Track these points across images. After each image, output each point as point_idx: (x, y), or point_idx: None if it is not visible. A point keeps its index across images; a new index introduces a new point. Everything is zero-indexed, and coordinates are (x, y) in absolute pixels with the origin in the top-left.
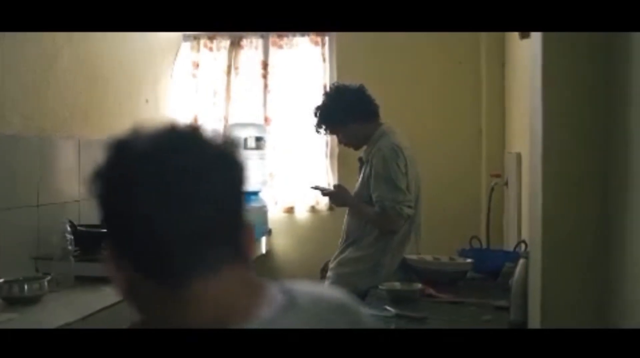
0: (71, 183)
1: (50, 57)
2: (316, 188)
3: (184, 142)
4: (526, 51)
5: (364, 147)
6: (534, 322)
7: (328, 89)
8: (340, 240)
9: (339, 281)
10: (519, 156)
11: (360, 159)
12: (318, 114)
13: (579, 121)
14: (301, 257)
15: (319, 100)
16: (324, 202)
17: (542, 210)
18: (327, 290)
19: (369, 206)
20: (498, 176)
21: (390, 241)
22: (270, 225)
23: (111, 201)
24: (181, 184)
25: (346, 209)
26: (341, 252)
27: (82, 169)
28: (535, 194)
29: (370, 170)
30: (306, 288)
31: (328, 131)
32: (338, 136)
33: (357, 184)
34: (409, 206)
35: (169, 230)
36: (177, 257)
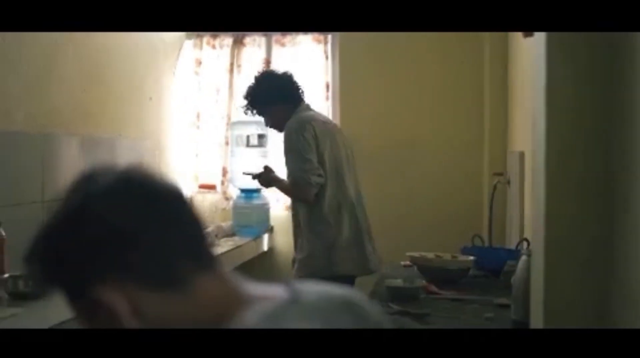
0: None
1: (53, 55)
2: (247, 173)
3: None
4: (529, 50)
5: None
6: (536, 319)
7: (258, 73)
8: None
9: (299, 268)
10: (521, 155)
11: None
12: (247, 96)
13: (582, 120)
14: None
15: (249, 82)
16: None
17: (544, 209)
18: (332, 287)
19: (285, 181)
20: (500, 174)
21: (320, 215)
22: (272, 223)
23: (106, 230)
24: (156, 208)
25: None
26: (293, 236)
27: (86, 167)
28: (538, 193)
29: (283, 147)
30: (311, 285)
31: (255, 112)
32: (264, 119)
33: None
34: (319, 175)
35: (160, 240)
36: (175, 261)
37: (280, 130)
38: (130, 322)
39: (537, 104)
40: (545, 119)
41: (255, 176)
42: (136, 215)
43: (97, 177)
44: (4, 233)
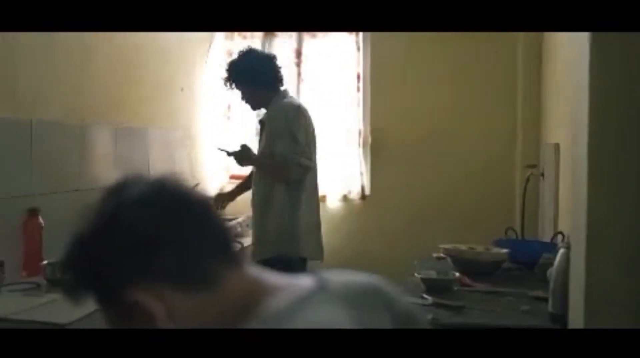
0: (108, 170)
1: (88, 47)
2: (221, 149)
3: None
4: (565, 39)
5: (263, 110)
6: (575, 313)
7: (243, 50)
8: (253, 207)
9: (264, 247)
10: (557, 147)
11: (260, 121)
12: (230, 71)
13: (625, 114)
14: (333, 246)
15: (233, 57)
16: (355, 191)
17: (586, 203)
18: (359, 274)
19: (269, 160)
20: (533, 166)
21: (299, 197)
22: None
23: (142, 236)
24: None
25: None
26: (257, 218)
27: (119, 157)
28: (578, 186)
29: (273, 130)
30: (338, 273)
31: (233, 87)
32: (242, 94)
33: (261, 144)
34: (307, 158)
35: (191, 244)
36: (205, 262)
37: (254, 108)
38: (166, 323)
39: (579, 96)
40: (589, 112)
41: (230, 154)
42: (167, 221)
43: (129, 185)
44: (42, 221)
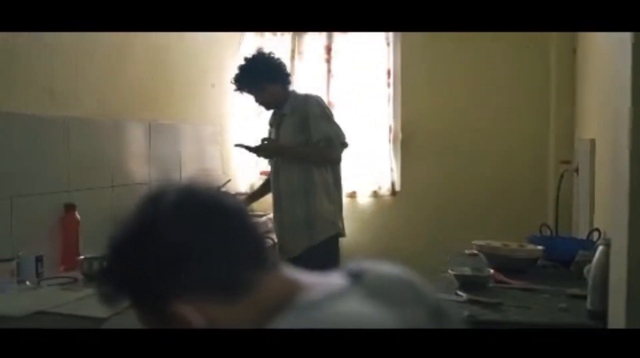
0: (142, 166)
1: (122, 44)
2: (240, 145)
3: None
4: (601, 35)
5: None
6: (616, 311)
7: (252, 54)
8: (279, 198)
9: (323, 227)
10: (592, 143)
11: (280, 115)
12: (242, 75)
13: None
14: (363, 242)
15: (242, 62)
16: (386, 187)
17: (628, 199)
18: (391, 266)
19: (306, 147)
20: (568, 163)
21: (339, 176)
22: None
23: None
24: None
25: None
26: (299, 204)
27: (152, 152)
28: (619, 183)
29: (302, 118)
30: (371, 265)
31: (246, 91)
32: (257, 95)
33: (285, 136)
34: (345, 137)
35: (229, 253)
36: (242, 270)
37: (270, 108)
38: None
39: (621, 92)
40: (632, 107)
41: (253, 148)
42: (204, 230)
43: (163, 194)
44: (78, 216)
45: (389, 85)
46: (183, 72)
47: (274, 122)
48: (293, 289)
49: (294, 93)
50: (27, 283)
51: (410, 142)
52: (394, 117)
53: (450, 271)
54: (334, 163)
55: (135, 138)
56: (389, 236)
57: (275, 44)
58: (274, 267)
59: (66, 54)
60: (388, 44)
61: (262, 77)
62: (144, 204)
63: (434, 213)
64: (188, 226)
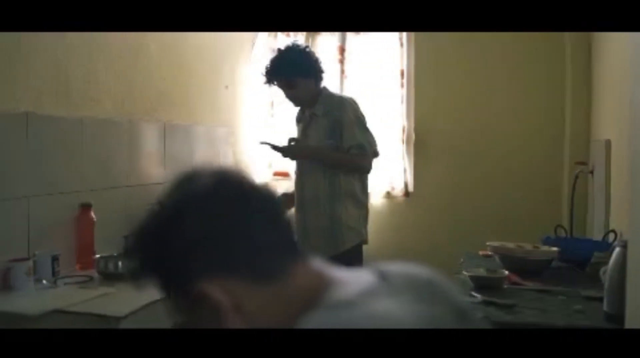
0: (157, 166)
1: (137, 46)
2: (266, 143)
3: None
4: (617, 36)
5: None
6: (633, 313)
7: (287, 45)
8: (302, 202)
9: (349, 235)
10: (608, 143)
11: (303, 115)
12: (273, 65)
13: None
14: (376, 243)
15: (281, 52)
16: (399, 188)
17: None
18: (416, 267)
19: (337, 152)
20: (583, 164)
21: (367, 183)
22: None
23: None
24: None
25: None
26: (323, 210)
27: (167, 152)
28: (637, 183)
29: (334, 122)
30: (395, 265)
31: (275, 84)
32: (289, 90)
33: (313, 138)
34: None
35: (259, 237)
36: (272, 256)
37: (300, 105)
38: (232, 317)
39: (636, 95)
40: None
41: (281, 149)
42: (235, 214)
43: (197, 177)
44: (94, 216)
45: (402, 85)
46: (197, 73)
47: (303, 121)
48: (323, 284)
49: (326, 92)
50: (44, 281)
51: (423, 143)
52: (408, 117)
53: (464, 272)
54: (364, 173)
55: (150, 139)
56: (402, 237)
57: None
58: (304, 258)
59: (82, 55)
60: (401, 45)
61: (296, 71)
62: (178, 183)
63: (447, 214)
64: (220, 206)
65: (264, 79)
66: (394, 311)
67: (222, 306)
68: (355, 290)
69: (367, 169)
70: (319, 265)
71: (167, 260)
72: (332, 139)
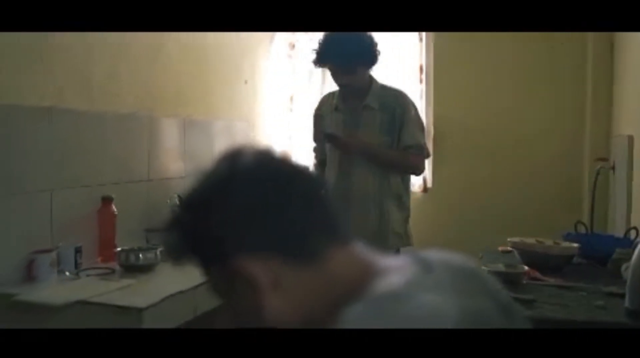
0: (177, 160)
1: (157, 43)
2: (328, 134)
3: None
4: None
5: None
6: None
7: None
8: (347, 198)
9: (401, 238)
10: (630, 139)
11: (351, 105)
12: (337, 46)
13: None
14: None
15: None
16: (417, 184)
17: None
18: (457, 256)
19: (395, 151)
20: (604, 160)
21: (410, 186)
22: None
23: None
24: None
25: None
26: (359, 217)
27: (187, 147)
28: None
29: (392, 118)
30: (437, 253)
31: (332, 67)
32: (344, 76)
33: (364, 134)
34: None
35: (301, 217)
36: (314, 237)
37: (350, 93)
38: (269, 294)
39: None
40: None
41: (333, 136)
42: (279, 192)
43: (241, 155)
44: (115, 209)
45: (421, 81)
46: (216, 69)
47: (346, 113)
48: (366, 272)
49: (377, 83)
50: (67, 273)
51: (442, 138)
52: (426, 113)
53: (483, 267)
54: (418, 175)
55: (170, 134)
56: (421, 233)
57: (308, 39)
58: (348, 242)
59: (104, 51)
60: (421, 40)
61: (358, 57)
62: (222, 160)
63: (466, 210)
64: (263, 183)
65: (314, 57)
66: (439, 305)
67: (259, 283)
68: (400, 280)
69: (422, 171)
70: (363, 250)
71: (208, 235)
72: (388, 135)
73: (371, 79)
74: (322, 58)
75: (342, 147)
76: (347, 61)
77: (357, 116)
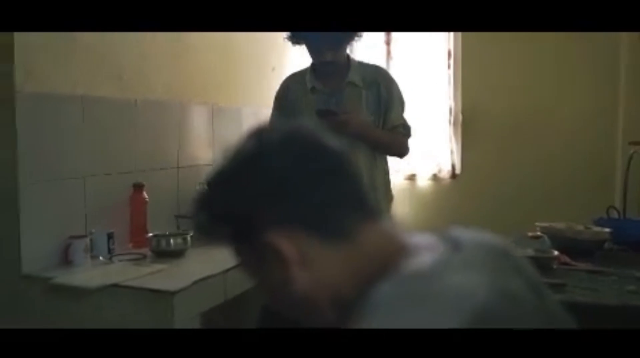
0: (205, 147)
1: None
2: (323, 110)
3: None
4: None
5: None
6: None
7: None
8: (374, 189)
9: None
10: None
11: (331, 83)
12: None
13: None
14: (422, 225)
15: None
16: (446, 170)
17: None
18: (487, 234)
19: (388, 132)
20: (638, 144)
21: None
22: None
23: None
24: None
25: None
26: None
27: (216, 134)
28: None
29: (378, 95)
30: (467, 232)
31: (314, 44)
32: (327, 53)
33: (358, 112)
34: None
35: (330, 193)
36: (343, 213)
37: (331, 72)
38: (297, 270)
39: None
40: None
41: (331, 113)
42: (308, 168)
43: (270, 131)
44: (146, 196)
45: (449, 66)
46: (245, 56)
47: (332, 92)
48: (395, 250)
49: (354, 59)
50: (100, 258)
51: (470, 124)
52: (454, 99)
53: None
54: (403, 157)
55: (199, 121)
56: (449, 220)
57: None
58: (376, 219)
59: (134, 40)
60: None
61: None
62: (250, 137)
63: (495, 196)
64: (293, 159)
65: (289, 34)
66: (468, 284)
67: (288, 259)
68: (430, 260)
69: (405, 153)
70: (392, 227)
71: (236, 211)
72: (374, 114)
73: (348, 55)
74: (303, 33)
75: (340, 125)
76: (332, 34)
77: (340, 95)
